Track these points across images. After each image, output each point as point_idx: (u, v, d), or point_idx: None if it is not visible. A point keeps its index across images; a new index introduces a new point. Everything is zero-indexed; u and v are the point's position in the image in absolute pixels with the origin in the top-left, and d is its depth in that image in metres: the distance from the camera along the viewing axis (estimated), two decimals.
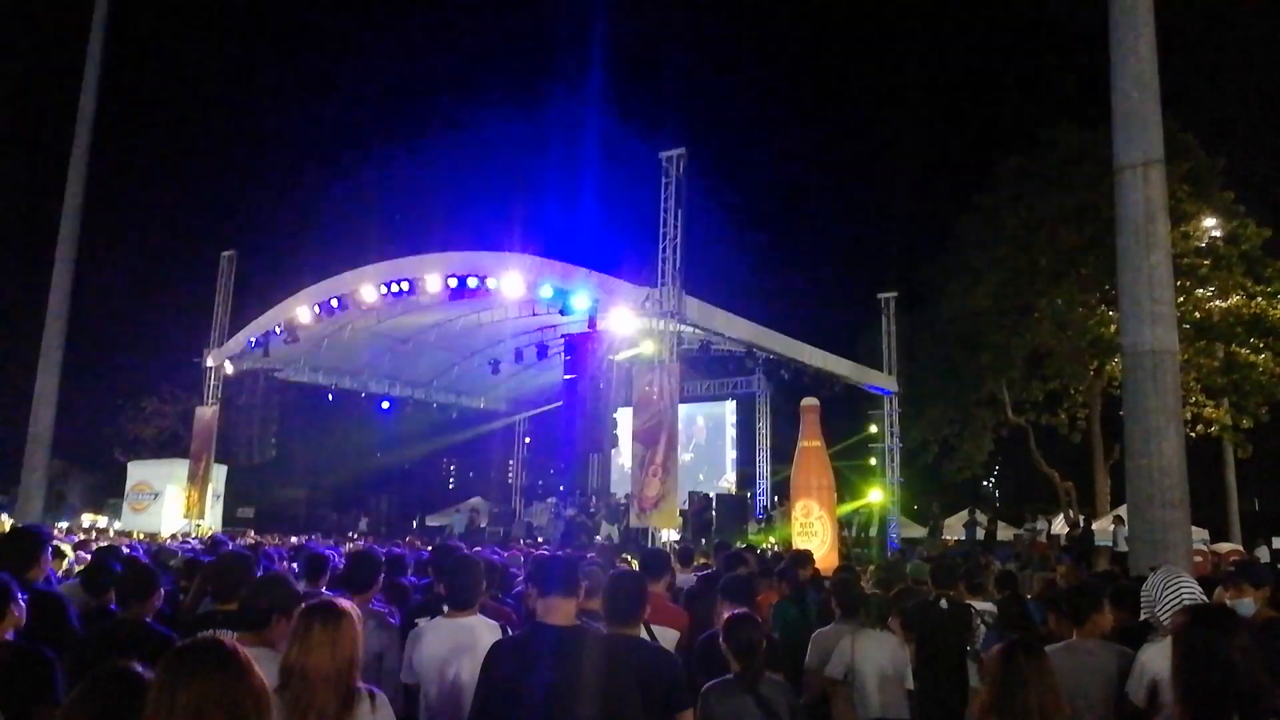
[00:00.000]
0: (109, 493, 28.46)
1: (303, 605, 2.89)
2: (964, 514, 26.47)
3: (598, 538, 18.50)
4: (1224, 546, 20.80)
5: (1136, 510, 9.60)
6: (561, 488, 22.92)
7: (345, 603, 2.85)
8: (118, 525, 21.15)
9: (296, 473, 34.91)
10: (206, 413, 21.24)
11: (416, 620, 4.09)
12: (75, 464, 35.92)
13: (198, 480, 20.85)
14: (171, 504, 21.44)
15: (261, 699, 1.79)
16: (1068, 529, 23.37)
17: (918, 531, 25.19)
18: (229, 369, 21.31)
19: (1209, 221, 24.14)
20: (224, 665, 1.77)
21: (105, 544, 9.87)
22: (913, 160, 37.99)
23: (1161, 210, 10.56)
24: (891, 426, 22.23)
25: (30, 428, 23.57)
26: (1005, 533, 25.34)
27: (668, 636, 4.43)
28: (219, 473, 22.14)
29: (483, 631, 3.67)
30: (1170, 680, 2.70)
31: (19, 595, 3.08)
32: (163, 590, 3.92)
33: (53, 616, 3.31)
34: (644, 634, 3.99)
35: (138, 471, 23.13)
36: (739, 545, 10.73)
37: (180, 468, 21.67)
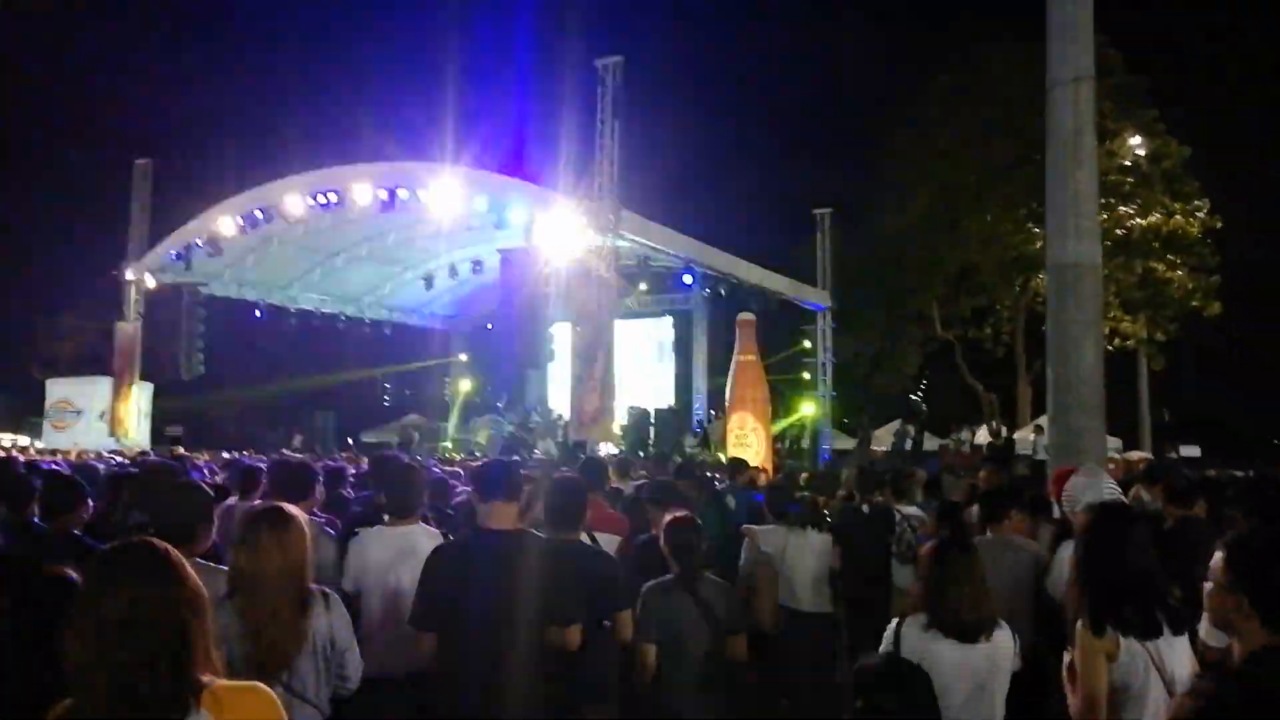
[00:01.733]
0: (28, 411, 27.50)
1: (247, 511, 2.87)
2: (893, 426, 27.38)
3: (536, 453, 18.63)
4: (1135, 454, 21.88)
5: (1056, 418, 9.97)
6: (500, 404, 22.89)
7: (291, 507, 2.83)
8: (39, 444, 20.52)
9: (227, 391, 34.15)
10: (127, 328, 20.54)
11: (357, 530, 4.10)
12: None
13: (122, 398, 20.28)
14: (94, 422, 20.85)
15: (197, 604, 1.70)
16: (990, 439, 24.35)
17: (849, 443, 25.92)
18: (150, 283, 20.56)
19: (1134, 139, 24.65)
20: (154, 569, 1.68)
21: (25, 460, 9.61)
22: (849, 74, 37.69)
23: (1089, 126, 10.70)
24: (825, 341, 22.60)
25: None
26: (932, 443, 26.28)
27: (610, 542, 4.52)
28: (144, 390, 21.56)
29: (423, 539, 3.69)
30: (1070, 571, 2.87)
31: None
32: (90, 504, 3.83)
33: None
34: (587, 540, 4.07)
35: (57, 389, 22.37)
36: (677, 459, 10.91)
37: (103, 385, 21.04)
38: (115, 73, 37.16)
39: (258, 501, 4.58)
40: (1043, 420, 25.82)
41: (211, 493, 3.27)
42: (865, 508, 5.76)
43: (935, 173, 26.10)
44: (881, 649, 2.78)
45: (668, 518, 3.75)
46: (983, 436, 25.10)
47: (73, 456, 13.32)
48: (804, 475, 7.79)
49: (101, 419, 20.71)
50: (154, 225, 21.06)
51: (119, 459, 12.20)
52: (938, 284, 26.55)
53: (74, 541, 3.46)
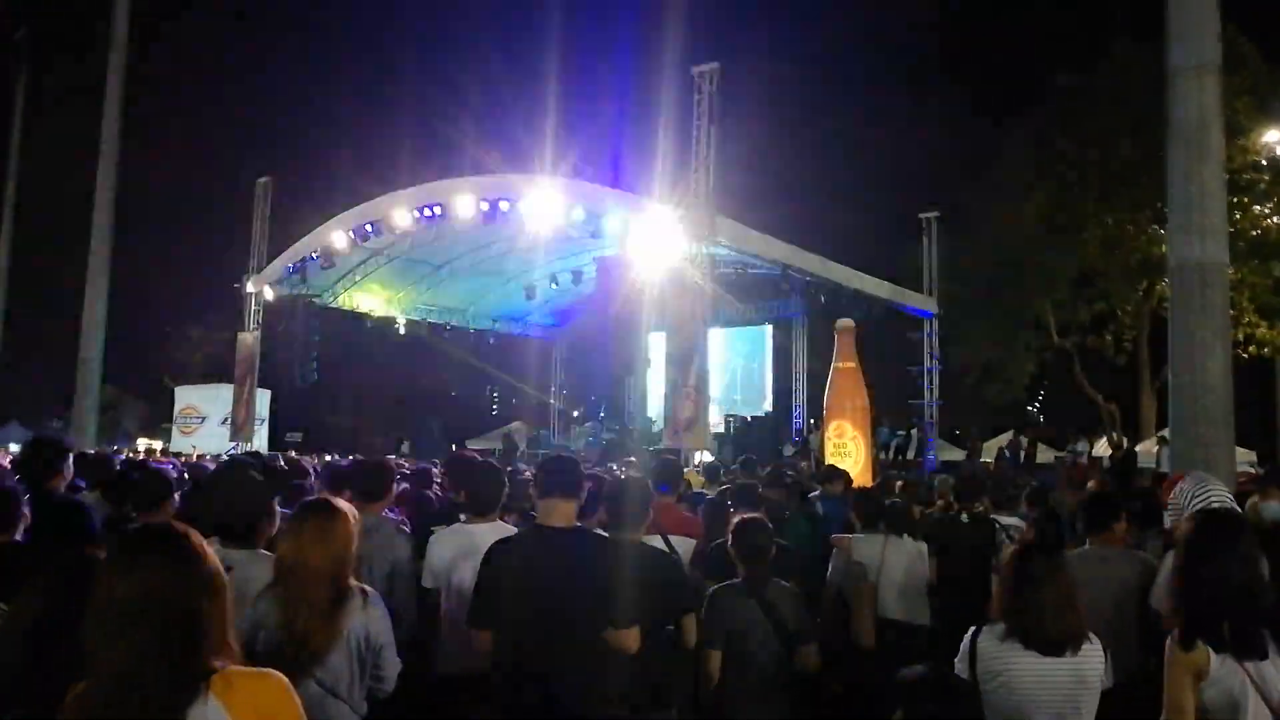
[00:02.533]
0: (162, 418, 29.30)
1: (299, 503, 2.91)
2: (1003, 438, 26.28)
3: (631, 459, 18.65)
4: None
5: (1179, 428, 9.35)
6: (602, 414, 23.05)
7: (341, 502, 2.85)
8: (167, 447, 21.80)
9: (342, 398, 35.61)
10: (248, 339, 21.59)
11: (433, 528, 4.13)
12: (129, 392, 37.03)
13: (242, 404, 21.33)
14: (217, 427, 21.99)
15: (213, 587, 1.68)
16: (1110, 451, 23.08)
17: (956, 454, 25.01)
18: (269, 295, 21.57)
19: (1270, 136, 23.04)
20: (169, 552, 1.66)
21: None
22: (958, 74, 36.48)
23: (1215, 119, 10.00)
24: (931, 349, 21.91)
25: (80, 353, 24.25)
26: (1046, 455, 25.09)
27: (684, 546, 4.43)
28: (263, 397, 22.62)
29: (489, 536, 3.69)
30: (1169, 584, 2.63)
31: (21, 503, 3.14)
32: (175, 499, 3.98)
33: (73, 521, 3.36)
34: (660, 543, 4.00)
35: (185, 396, 23.74)
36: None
37: (226, 392, 22.17)
38: (237, 94, 39.38)
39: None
40: (1167, 431, 24.43)
41: (268, 489, 3.34)
42: (964, 517, 5.48)
43: (1053, 175, 24.99)
44: (957, 660, 2.60)
45: (737, 519, 3.63)
46: (1102, 449, 23.84)
47: (193, 459, 14.07)
48: (899, 483, 7.48)
49: (224, 424, 21.81)
50: (273, 240, 22.13)
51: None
52: (1055, 289, 25.34)
53: None
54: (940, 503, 6.65)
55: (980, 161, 27.92)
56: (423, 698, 3.57)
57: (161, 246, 34.14)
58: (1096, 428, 25.98)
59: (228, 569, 2.91)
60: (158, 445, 25.63)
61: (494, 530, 3.79)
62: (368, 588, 2.82)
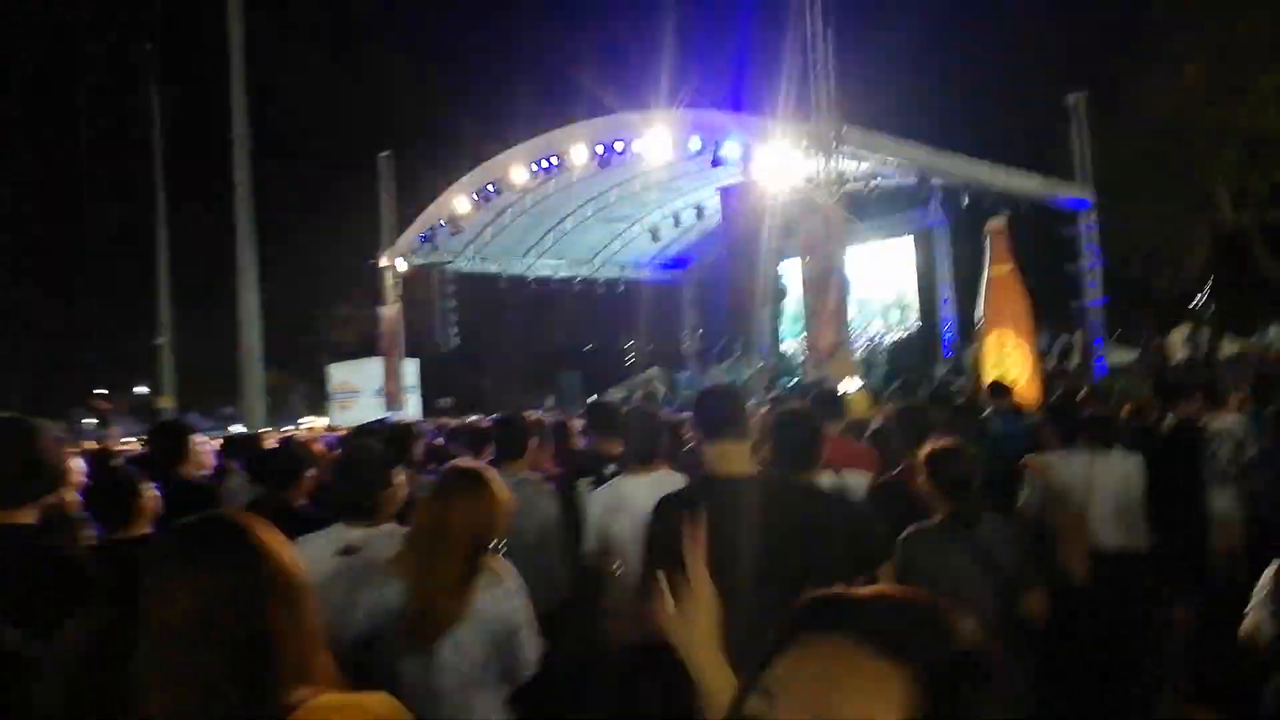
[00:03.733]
0: (321, 395, 30.79)
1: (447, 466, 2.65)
2: (1181, 331, 24.12)
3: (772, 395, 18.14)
4: None
5: None
6: (739, 350, 22.55)
7: (486, 468, 2.58)
8: (328, 423, 22.82)
9: (485, 360, 36.50)
10: (389, 311, 22.19)
11: (576, 482, 3.83)
12: (292, 374, 39.20)
13: (392, 375, 22.02)
14: (371, 399, 22.83)
15: (287, 594, 1.35)
16: None
17: (1125, 357, 23.14)
18: (402, 267, 22.04)
19: None
20: (225, 552, 1.35)
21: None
22: None
23: None
24: (1089, 242, 20.19)
25: (240, 344, 25.65)
26: (1231, 347, 22.88)
27: (859, 484, 3.96)
28: (410, 366, 23.29)
29: (643, 489, 3.33)
30: None
31: (138, 492, 3.01)
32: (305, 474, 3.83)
33: (193, 507, 3.26)
34: (834, 480, 3.55)
35: (338, 373, 24.75)
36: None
37: (376, 365, 22.94)
38: (352, 70, 40.17)
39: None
40: None
41: (386, 459, 3.08)
42: (1168, 421, 4.76)
43: (1212, 34, 22.35)
44: (1255, 599, 2.06)
45: (926, 448, 3.13)
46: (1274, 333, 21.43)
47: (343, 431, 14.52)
48: (1081, 392, 6.70)
49: (378, 395, 22.60)
50: (403, 213, 22.54)
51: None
52: (1227, 158, 22.81)
53: (287, 512, 3.43)
54: (1126, 408, 5.86)
55: (1128, 33, 25.29)
56: (581, 672, 3.32)
57: (300, 231, 35.57)
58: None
59: (352, 551, 2.70)
60: (321, 421, 27.00)
61: (652, 484, 3.44)
62: (504, 561, 2.53)
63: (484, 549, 2.41)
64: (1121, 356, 22.76)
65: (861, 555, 2.81)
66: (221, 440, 8.93)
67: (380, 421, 8.07)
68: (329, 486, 3.17)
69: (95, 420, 31.41)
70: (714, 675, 1.58)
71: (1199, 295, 29.11)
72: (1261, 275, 24.78)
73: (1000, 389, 7.23)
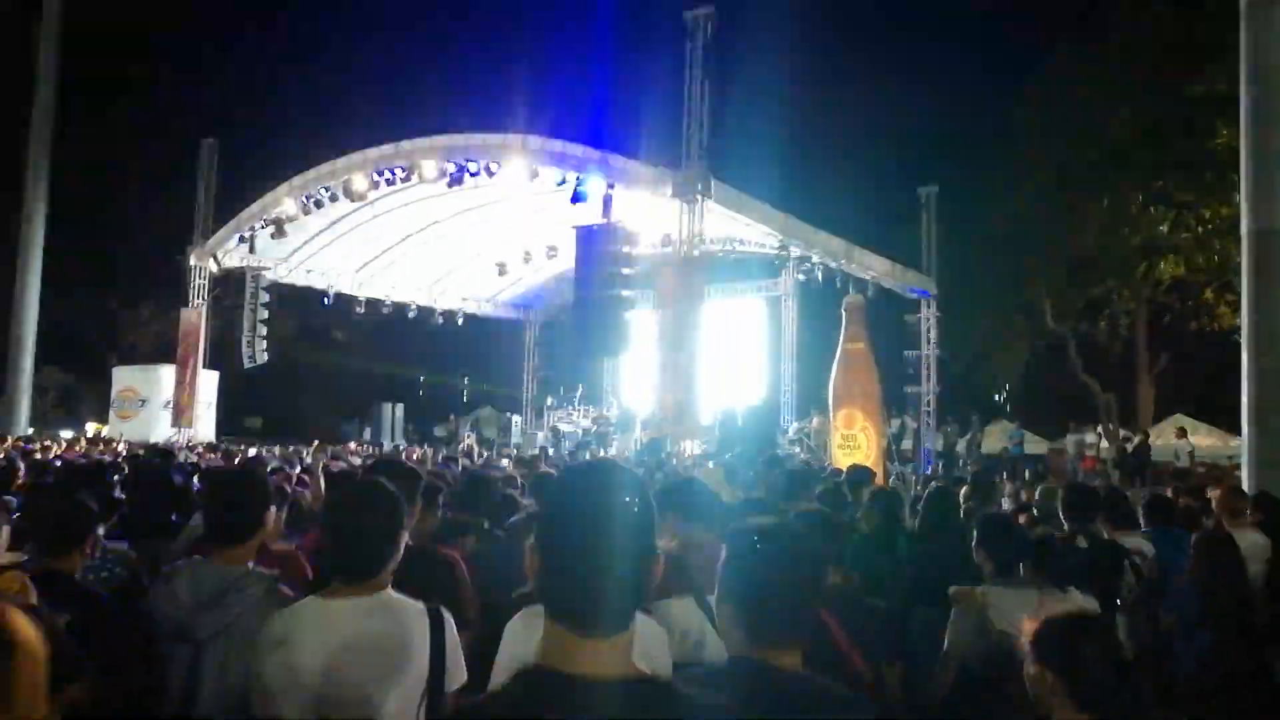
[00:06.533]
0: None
1: None
2: (1001, 426, 25.08)
3: (610, 451, 17.17)
4: None
5: (1261, 418, 8.02)
6: (577, 396, 21.52)
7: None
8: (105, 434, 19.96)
9: (299, 381, 33.76)
10: (192, 315, 19.78)
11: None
12: (81, 377, 34.90)
13: (185, 386, 19.52)
14: (160, 411, 20.19)
15: None
16: (1107, 443, 21.91)
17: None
18: (214, 268, 19.77)
19: None
20: None
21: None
22: (962, 43, 34.88)
23: None
24: (929, 332, 20.59)
25: (11, 330, 22.31)
26: (1038, 446, 23.91)
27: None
28: (209, 379, 20.80)
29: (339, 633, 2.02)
30: None
31: None
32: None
33: None
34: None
35: (124, 377, 21.87)
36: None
37: (168, 373, 20.35)
38: (176, 42, 36.80)
39: None
40: (1178, 421, 23.25)
41: None
42: (1081, 541, 4.02)
43: (1052, 151, 23.68)
44: None
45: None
46: (1092, 440, 22.58)
47: (121, 448, 12.38)
48: (964, 488, 6.01)
49: (166, 408, 20.03)
50: (221, 208, 20.28)
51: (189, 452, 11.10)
52: (1054, 272, 24.09)
53: None
54: (1022, 518, 5.17)
55: (980, 136, 26.61)
56: None
57: (108, 220, 31.91)
58: (1084, 417, 24.85)
59: None
60: (106, 430, 23.75)
61: (390, 615, 2.12)
62: None
63: None
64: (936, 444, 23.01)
65: None
66: None
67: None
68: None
69: None
70: None
71: (994, 396, 30.70)
72: (1074, 382, 26.17)
73: (861, 475, 6.48)
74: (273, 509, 2.49)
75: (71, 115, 25.44)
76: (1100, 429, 24.03)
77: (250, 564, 2.30)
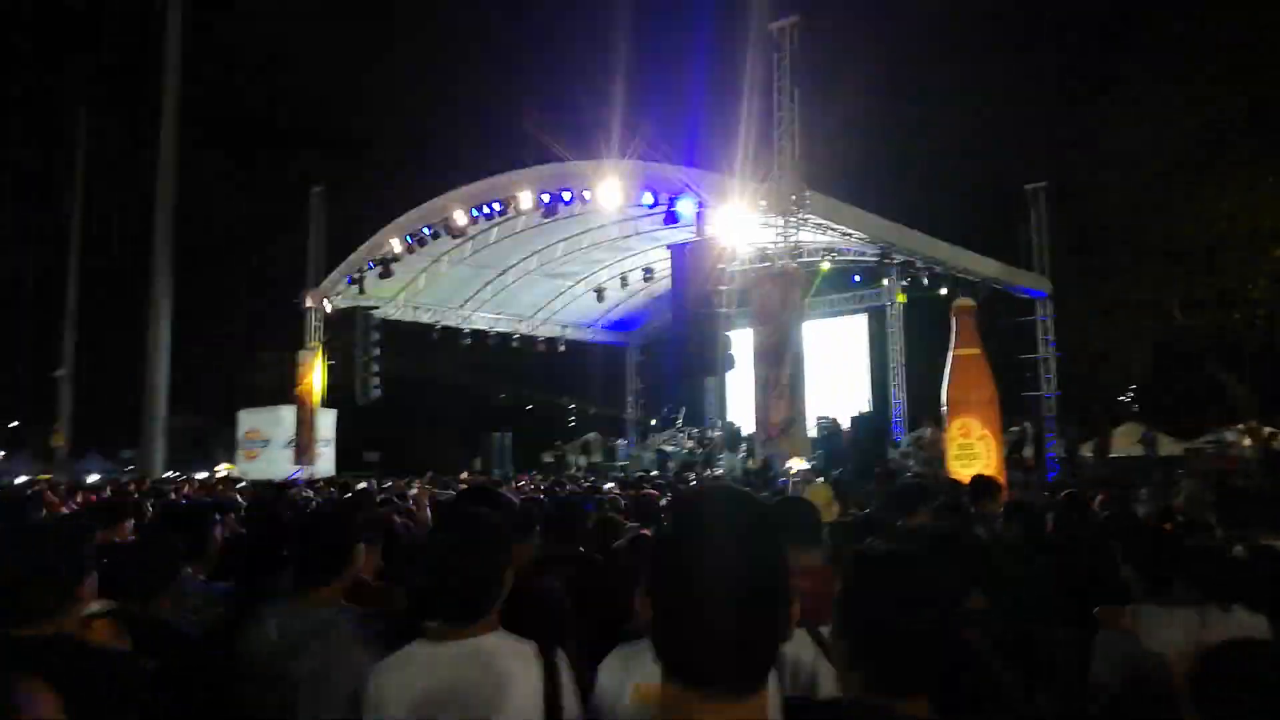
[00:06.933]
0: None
1: None
2: (1128, 428, 23.67)
3: (718, 470, 16.96)
4: None
5: None
6: (679, 420, 21.41)
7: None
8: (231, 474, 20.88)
9: (410, 415, 34.69)
10: (309, 356, 20.58)
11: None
12: (211, 420, 36.84)
13: (305, 425, 20.28)
14: (281, 450, 21.03)
15: None
16: (1250, 441, 20.37)
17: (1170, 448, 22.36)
18: (327, 309, 20.55)
19: None
20: None
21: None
22: (1063, 30, 33.31)
23: None
24: (1045, 333, 19.66)
25: (147, 379, 23.62)
26: (1171, 447, 22.46)
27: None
28: (327, 417, 21.57)
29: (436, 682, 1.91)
30: None
31: None
32: None
33: None
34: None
35: (248, 419, 22.89)
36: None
37: (289, 413, 21.19)
38: (286, 102, 38.67)
39: None
40: None
41: None
42: (1240, 550, 3.63)
43: (1161, 139, 22.36)
44: None
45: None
46: (1232, 438, 21.04)
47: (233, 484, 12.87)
48: (1099, 497, 5.57)
49: (287, 447, 20.83)
50: (333, 251, 21.12)
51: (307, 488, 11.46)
52: (1177, 264, 22.69)
53: None
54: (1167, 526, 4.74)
55: (1089, 128, 25.36)
56: None
57: (227, 270, 33.74)
58: (1221, 415, 23.20)
59: None
60: (236, 470, 24.90)
61: (469, 669, 1.98)
62: None
63: None
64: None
65: None
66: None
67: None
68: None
69: None
70: None
71: (1120, 396, 28.97)
72: (1203, 378, 24.55)
73: (988, 486, 6.10)
74: (361, 546, 2.44)
75: (187, 177, 26.93)
76: (1241, 426, 22.44)
77: (341, 603, 2.26)
